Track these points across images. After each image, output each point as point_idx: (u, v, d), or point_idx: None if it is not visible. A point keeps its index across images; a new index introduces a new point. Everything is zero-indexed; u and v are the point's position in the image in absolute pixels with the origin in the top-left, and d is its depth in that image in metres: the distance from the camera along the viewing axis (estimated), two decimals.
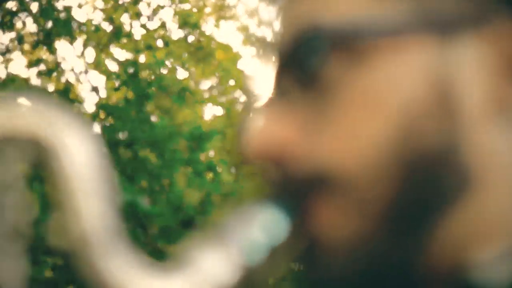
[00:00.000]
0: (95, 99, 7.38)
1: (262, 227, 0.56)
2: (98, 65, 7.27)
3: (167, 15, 9.18)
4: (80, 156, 0.50)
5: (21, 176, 0.51)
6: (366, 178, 0.55)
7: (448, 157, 0.55)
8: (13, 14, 6.84)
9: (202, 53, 8.46)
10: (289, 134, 0.58)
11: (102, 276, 0.49)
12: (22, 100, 0.51)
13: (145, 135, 6.31)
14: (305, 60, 0.57)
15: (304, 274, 0.57)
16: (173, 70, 7.80)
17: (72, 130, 0.51)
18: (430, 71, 0.56)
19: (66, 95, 6.68)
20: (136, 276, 0.50)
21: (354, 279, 0.55)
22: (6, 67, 7.17)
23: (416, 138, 0.55)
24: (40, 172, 0.50)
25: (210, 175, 6.87)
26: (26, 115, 0.49)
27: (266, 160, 0.58)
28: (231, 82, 8.98)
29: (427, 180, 0.55)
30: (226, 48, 8.70)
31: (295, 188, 0.56)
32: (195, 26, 8.05)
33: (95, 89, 7.15)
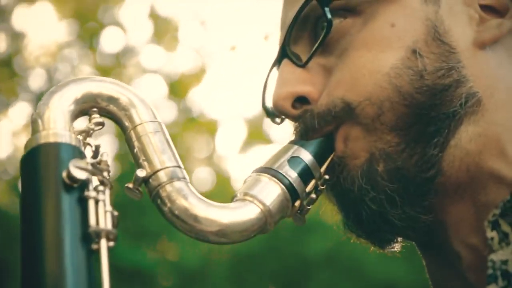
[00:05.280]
0: None
1: (300, 156, 0.68)
2: None
3: None
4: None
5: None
6: (379, 107, 0.66)
7: (453, 85, 0.67)
8: None
9: None
10: (309, 87, 0.69)
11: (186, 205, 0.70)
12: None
13: None
14: (319, 24, 0.70)
15: (334, 186, 0.71)
16: None
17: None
18: (423, 16, 0.68)
19: None
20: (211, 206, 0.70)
21: (378, 188, 0.66)
22: None
23: (420, 71, 0.67)
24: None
25: None
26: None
27: (288, 108, 0.71)
28: None
29: (435, 104, 0.67)
30: None
31: (320, 124, 0.68)
32: None
33: None
